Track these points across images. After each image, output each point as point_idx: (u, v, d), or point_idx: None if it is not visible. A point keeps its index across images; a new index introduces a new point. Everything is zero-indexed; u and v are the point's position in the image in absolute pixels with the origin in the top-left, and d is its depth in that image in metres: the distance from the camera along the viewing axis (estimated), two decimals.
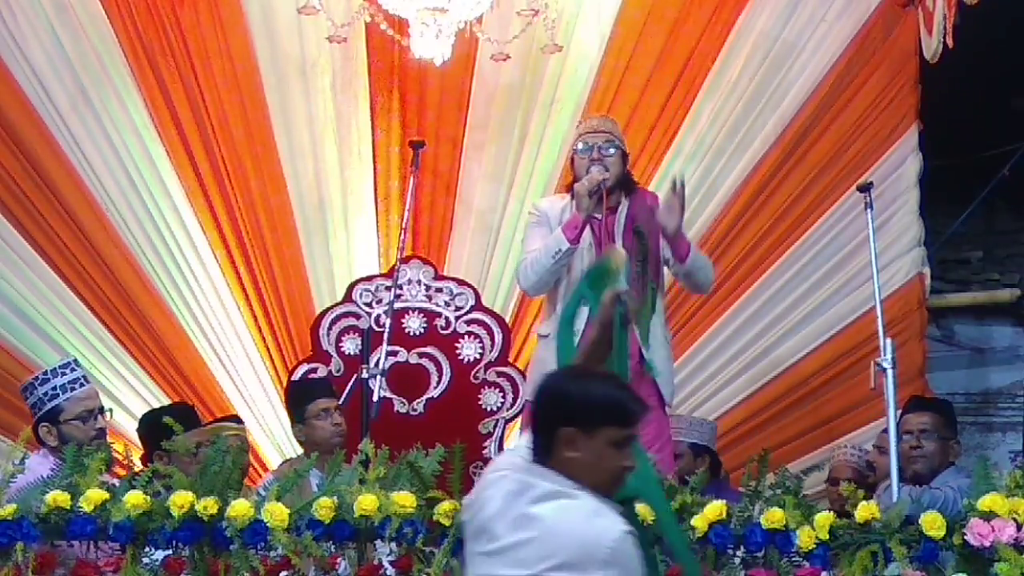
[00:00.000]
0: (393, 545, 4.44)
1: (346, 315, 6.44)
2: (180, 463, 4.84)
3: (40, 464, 4.61)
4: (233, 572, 4.33)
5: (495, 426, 6.29)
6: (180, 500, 4.36)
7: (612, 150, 5.39)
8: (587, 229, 5.32)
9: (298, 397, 5.97)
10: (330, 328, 6.43)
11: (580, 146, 5.43)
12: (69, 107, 6.45)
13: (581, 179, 5.36)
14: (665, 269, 5.50)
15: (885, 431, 5.60)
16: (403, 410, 6.37)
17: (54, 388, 4.84)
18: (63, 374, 4.89)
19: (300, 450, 6.12)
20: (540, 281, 5.36)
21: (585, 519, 3.02)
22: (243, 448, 5.61)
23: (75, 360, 5.13)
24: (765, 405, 6.62)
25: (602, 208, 5.34)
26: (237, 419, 6.04)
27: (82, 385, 4.92)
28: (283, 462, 6.16)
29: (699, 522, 4.51)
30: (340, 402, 5.68)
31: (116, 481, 4.52)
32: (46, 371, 4.98)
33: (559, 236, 5.27)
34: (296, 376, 6.33)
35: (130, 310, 6.50)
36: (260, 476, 6.10)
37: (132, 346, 6.47)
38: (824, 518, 4.49)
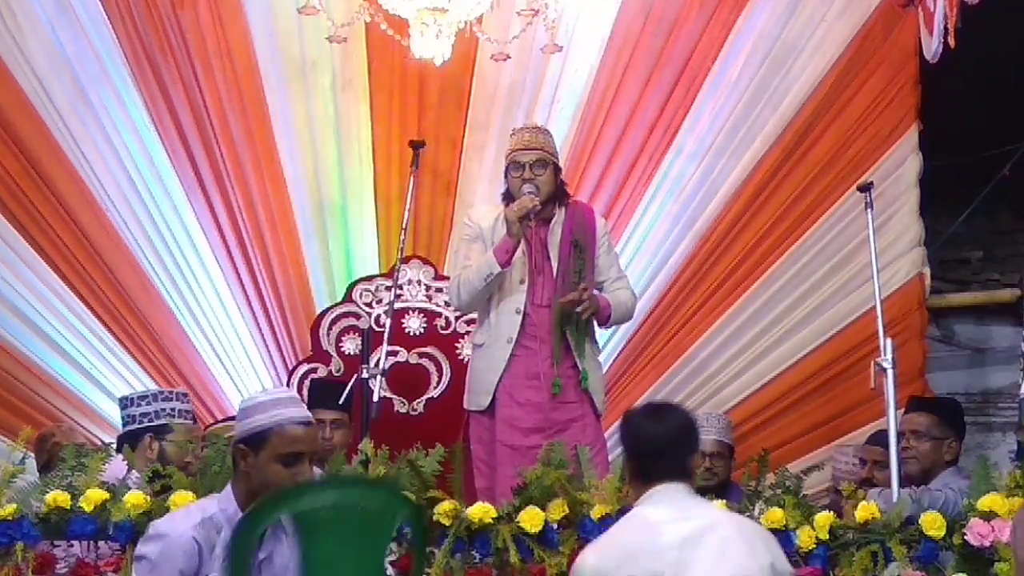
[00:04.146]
0: (393, 545, 4.44)
1: (346, 315, 6.45)
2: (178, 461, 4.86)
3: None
4: None
5: None
6: (180, 500, 4.36)
7: (542, 169, 5.41)
8: (520, 240, 5.36)
9: (308, 398, 6.00)
10: (330, 328, 6.44)
11: (512, 165, 5.45)
12: (69, 107, 6.45)
13: (514, 193, 5.40)
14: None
15: (867, 442, 5.63)
16: (403, 410, 6.38)
17: (172, 409, 4.99)
18: (181, 400, 5.08)
19: None
20: (472, 301, 5.45)
21: None
22: None
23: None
24: (765, 405, 6.62)
25: (534, 224, 5.38)
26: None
27: (193, 420, 5.15)
28: None
29: None
30: (338, 415, 5.67)
31: None
32: (170, 391, 5.17)
33: (491, 259, 5.32)
34: (299, 372, 6.40)
35: (130, 310, 6.50)
36: None
37: (132, 346, 6.47)
38: (824, 518, 4.50)
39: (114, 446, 4.98)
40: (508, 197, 5.47)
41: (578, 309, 5.31)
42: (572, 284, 5.37)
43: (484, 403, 5.37)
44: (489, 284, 5.34)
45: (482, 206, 6.00)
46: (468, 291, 5.39)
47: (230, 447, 3.72)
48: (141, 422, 4.94)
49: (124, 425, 5.04)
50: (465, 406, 5.52)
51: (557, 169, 5.52)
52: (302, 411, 3.60)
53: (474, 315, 5.85)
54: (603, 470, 5.10)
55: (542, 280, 5.41)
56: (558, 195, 5.48)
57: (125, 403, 5.06)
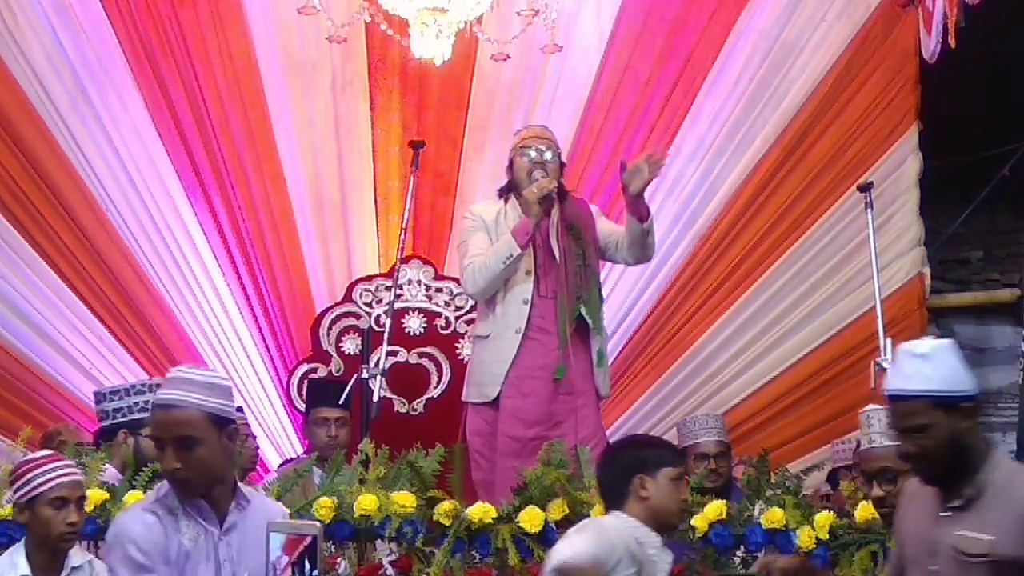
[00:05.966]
0: (393, 545, 4.45)
1: (346, 315, 6.46)
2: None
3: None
4: None
5: None
6: None
7: (553, 156, 5.47)
8: (539, 221, 5.37)
9: (308, 398, 6.01)
10: (330, 328, 6.45)
11: (522, 152, 5.48)
12: (69, 107, 6.44)
13: (522, 183, 5.42)
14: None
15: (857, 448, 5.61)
16: (403, 410, 6.39)
17: (147, 402, 4.77)
18: (156, 392, 4.83)
19: (299, 449, 6.14)
20: (489, 286, 5.40)
21: None
22: (246, 434, 5.64)
23: None
24: (765, 405, 6.62)
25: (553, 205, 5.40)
26: (238, 409, 6.04)
27: None
28: (284, 462, 6.17)
29: (699, 521, 4.52)
30: (342, 413, 5.67)
31: None
32: (143, 383, 5.00)
33: (510, 241, 5.33)
34: (299, 372, 6.41)
35: (130, 310, 6.50)
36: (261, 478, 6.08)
37: (132, 346, 6.47)
38: (824, 518, 4.50)
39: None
40: (509, 189, 5.48)
41: (644, 165, 5.26)
42: (577, 268, 5.38)
43: (491, 394, 5.36)
44: (508, 267, 5.33)
45: (481, 202, 6.01)
46: (485, 276, 5.37)
47: None
48: (115, 418, 4.86)
49: (100, 420, 4.96)
50: (464, 398, 5.50)
51: (563, 165, 5.57)
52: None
53: (473, 314, 5.85)
54: None
55: (547, 272, 5.42)
56: (558, 191, 5.50)
57: (99, 398, 4.95)
